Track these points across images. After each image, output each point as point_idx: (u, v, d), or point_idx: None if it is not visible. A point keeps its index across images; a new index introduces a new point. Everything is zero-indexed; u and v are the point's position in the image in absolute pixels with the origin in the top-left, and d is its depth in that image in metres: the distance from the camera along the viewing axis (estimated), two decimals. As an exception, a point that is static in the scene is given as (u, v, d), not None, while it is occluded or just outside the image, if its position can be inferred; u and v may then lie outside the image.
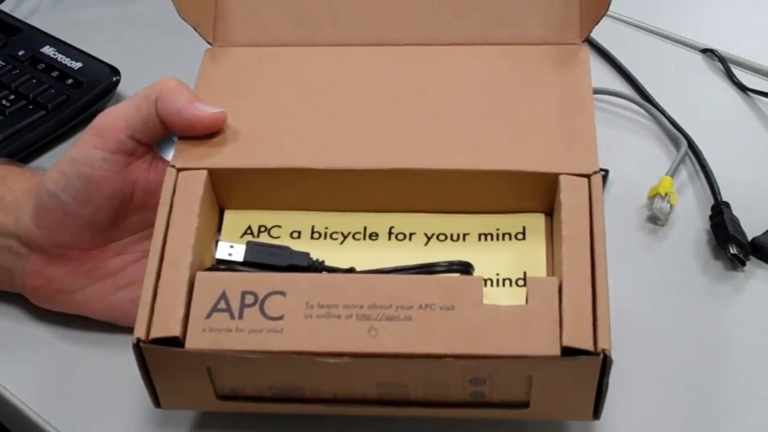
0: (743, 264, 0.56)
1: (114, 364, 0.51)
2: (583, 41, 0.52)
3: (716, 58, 0.72)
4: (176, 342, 0.41)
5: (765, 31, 0.75)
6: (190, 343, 0.41)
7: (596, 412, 0.43)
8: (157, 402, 0.45)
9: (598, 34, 0.70)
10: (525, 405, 0.44)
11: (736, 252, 0.56)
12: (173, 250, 0.44)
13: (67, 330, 0.53)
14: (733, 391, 0.50)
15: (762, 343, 0.52)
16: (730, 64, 0.71)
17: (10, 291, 0.54)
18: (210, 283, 0.43)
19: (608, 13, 0.72)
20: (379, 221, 0.48)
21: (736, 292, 0.55)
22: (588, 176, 0.45)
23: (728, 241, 0.56)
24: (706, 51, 0.73)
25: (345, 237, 0.48)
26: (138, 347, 0.42)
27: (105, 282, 0.51)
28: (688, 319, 0.54)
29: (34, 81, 0.69)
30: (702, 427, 0.49)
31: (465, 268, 0.44)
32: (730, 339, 0.53)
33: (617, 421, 0.48)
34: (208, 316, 0.42)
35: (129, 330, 0.51)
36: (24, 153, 0.66)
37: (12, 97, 0.68)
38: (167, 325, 0.41)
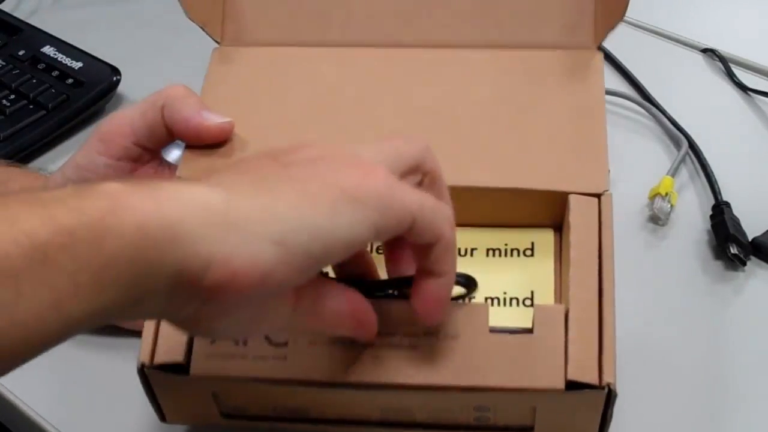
0: (744, 264, 0.56)
1: (120, 369, 0.50)
2: (598, 46, 0.51)
3: (717, 58, 0.71)
4: (181, 367, 0.41)
5: (765, 31, 0.75)
6: (195, 370, 0.41)
7: None
8: (162, 417, 0.45)
9: (598, 33, 0.70)
10: (529, 429, 0.43)
11: (737, 252, 0.56)
12: None
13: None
14: (733, 391, 0.50)
15: (762, 343, 0.52)
16: (730, 64, 0.70)
17: None
18: None
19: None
20: None
21: (736, 292, 0.55)
22: (598, 196, 0.45)
23: (729, 240, 0.56)
24: (706, 51, 0.73)
25: None
26: (143, 372, 0.41)
27: None
28: (688, 318, 0.54)
29: (34, 81, 0.69)
30: (701, 426, 0.49)
31: (466, 281, 0.43)
32: (730, 339, 0.53)
33: (617, 420, 0.47)
34: (213, 341, 0.42)
35: (134, 334, 0.52)
36: (24, 153, 0.66)
37: (12, 96, 0.68)
38: (172, 351, 0.41)
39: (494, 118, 0.48)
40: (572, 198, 0.45)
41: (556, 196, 0.45)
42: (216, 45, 0.53)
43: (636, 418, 0.48)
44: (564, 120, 0.48)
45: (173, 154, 0.53)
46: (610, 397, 0.40)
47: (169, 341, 0.42)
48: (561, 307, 0.42)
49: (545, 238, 0.47)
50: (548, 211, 0.46)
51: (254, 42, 0.53)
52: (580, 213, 0.44)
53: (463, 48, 0.52)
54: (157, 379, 0.42)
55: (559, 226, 0.47)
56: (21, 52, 0.72)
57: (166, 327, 0.42)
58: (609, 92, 0.68)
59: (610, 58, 0.72)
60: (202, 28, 0.52)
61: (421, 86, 0.50)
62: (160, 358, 0.41)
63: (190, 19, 0.52)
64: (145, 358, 0.41)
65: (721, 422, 0.49)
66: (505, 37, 0.52)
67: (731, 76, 0.70)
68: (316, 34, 0.52)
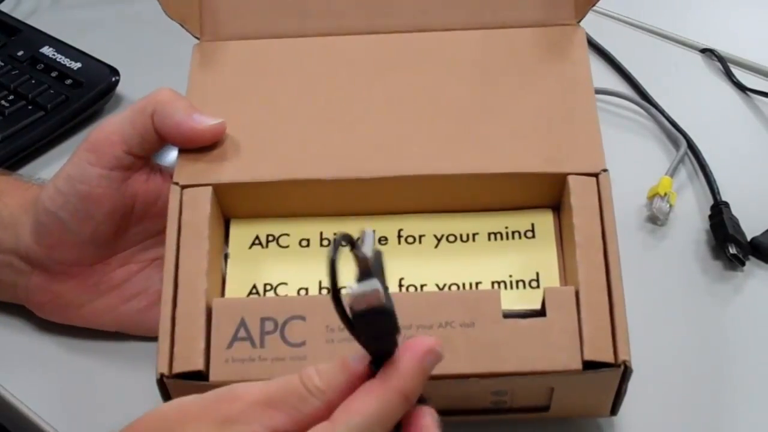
0: (742, 264, 0.56)
1: (124, 374, 0.51)
2: (578, 21, 0.51)
3: (715, 58, 0.71)
4: (200, 375, 0.41)
5: (765, 31, 0.75)
6: (215, 376, 0.41)
7: (614, 410, 0.45)
8: None
9: (597, 33, 0.70)
10: (545, 408, 0.44)
11: (736, 252, 0.56)
12: (187, 277, 0.43)
13: (73, 340, 0.53)
14: (732, 391, 0.50)
15: (761, 343, 0.52)
16: (729, 64, 0.70)
17: (14, 303, 0.53)
18: (228, 311, 0.43)
19: (608, 12, 0.72)
20: (387, 225, 0.48)
21: (735, 292, 0.55)
22: (596, 175, 0.45)
23: (727, 240, 0.56)
24: (705, 51, 0.72)
25: None
26: (162, 382, 0.41)
27: (112, 294, 0.51)
28: (687, 319, 0.54)
29: (33, 81, 0.69)
30: (701, 425, 0.49)
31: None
32: (729, 339, 0.53)
33: (616, 420, 0.48)
34: (230, 345, 0.42)
35: (136, 338, 0.52)
36: (23, 153, 0.66)
37: (11, 97, 0.68)
38: (190, 359, 0.41)
39: (483, 102, 0.48)
40: (571, 179, 0.45)
41: (553, 178, 0.46)
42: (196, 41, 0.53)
43: (633, 414, 0.48)
44: (553, 98, 0.48)
45: (171, 157, 0.53)
46: (626, 373, 0.41)
47: (186, 349, 0.42)
48: (571, 289, 0.42)
49: (545, 219, 0.47)
50: (546, 192, 0.47)
51: (234, 35, 0.52)
52: (579, 194, 0.45)
53: (445, 31, 0.51)
54: (177, 389, 0.42)
55: (556, 205, 0.47)
56: (20, 53, 0.72)
57: (181, 333, 0.42)
58: (607, 92, 0.68)
59: (608, 58, 0.72)
60: (181, 24, 0.52)
61: (407, 72, 0.50)
62: (179, 367, 0.41)
63: (169, 16, 0.51)
64: (164, 369, 0.41)
65: (720, 421, 0.49)
66: (485, 18, 0.51)
67: (730, 76, 0.70)
68: (295, 24, 0.52)
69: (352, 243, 0.33)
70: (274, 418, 0.35)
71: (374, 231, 0.34)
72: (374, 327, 0.34)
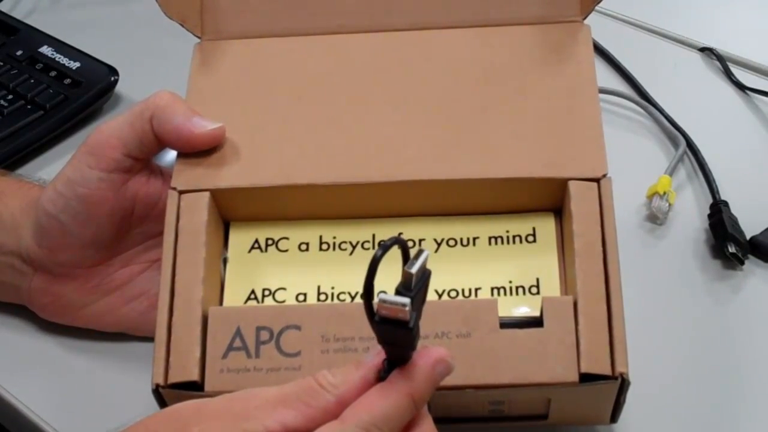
0: (742, 263, 0.56)
1: (124, 374, 0.51)
2: (584, 19, 0.51)
3: (715, 57, 0.71)
4: (195, 385, 0.41)
5: (764, 30, 0.75)
6: (210, 386, 0.41)
7: (614, 418, 0.45)
8: None
9: (596, 32, 0.70)
10: (543, 417, 0.44)
11: (735, 251, 0.56)
12: (183, 284, 0.43)
13: (74, 340, 0.53)
14: (731, 390, 0.50)
15: (760, 342, 0.52)
16: (728, 63, 0.70)
17: (17, 303, 0.53)
18: (224, 320, 0.42)
19: (607, 12, 0.72)
20: (387, 229, 0.47)
21: (734, 291, 0.55)
22: (597, 180, 0.45)
23: (727, 239, 0.56)
24: (704, 50, 0.72)
25: (354, 247, 0.47)
26: (158, 392, 0.41)
27: (113, 295, 0.51)
28: (686, 317, 0.54)
29: (32, 81, 0.69)
30: (700, 423, 0.49)
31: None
32: (728, 338, 0.53)
33: (616, 427, 0.48)
34: (225, 355, 0.42)
35: (137, 338, 0.52)
36: (22, 153, 0.66)
37: (10, 97, 0.68)
38: (185, 369, 0.41)
39: (486, 104, 0.48)
40: (572, 185, 0.45)
41: (554, 183, 0.45)
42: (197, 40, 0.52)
43: (631, 414, 0.48)
44: (556, 99, 0.48)
45: (171, 156, 0.52)
46: (624, 385, 0.41)
47: (181, 359, 0.42)
48: (569, 299, 0.42)
49: (546, 223, 0.47)
50: (547, 196, 0.46)
51: (236, 34, 0.52)
52: (580, 200, 0.44)
53: (447, 29, 0.51)
54: (172, 398, 0.42)
55: (558, 209, 0.47)
56: (19, 52, 0.72)
57: (177, 345, 0.42)
58: (607, 91, 0.68)
59: (608, 57, 0.72)
60: (181, 24, 0.51)
61: (408, 72, 0.50)
62: (175, 377, 0.41)
63: (167, 15, 0.51)
64: (159, 379, 0.41)
65: (719, 419, 0.49)
66: (488, 15, 0.51)
67: (729, 75, 0.70)
68: (297, 22, 0.51)
69: (405, 252, 0.34)
70: (286, 414, 0.35)
71: (428, 253, 0.35)
72: (393, 335, 0.35)
